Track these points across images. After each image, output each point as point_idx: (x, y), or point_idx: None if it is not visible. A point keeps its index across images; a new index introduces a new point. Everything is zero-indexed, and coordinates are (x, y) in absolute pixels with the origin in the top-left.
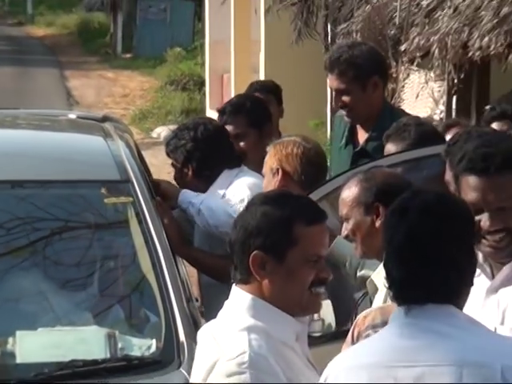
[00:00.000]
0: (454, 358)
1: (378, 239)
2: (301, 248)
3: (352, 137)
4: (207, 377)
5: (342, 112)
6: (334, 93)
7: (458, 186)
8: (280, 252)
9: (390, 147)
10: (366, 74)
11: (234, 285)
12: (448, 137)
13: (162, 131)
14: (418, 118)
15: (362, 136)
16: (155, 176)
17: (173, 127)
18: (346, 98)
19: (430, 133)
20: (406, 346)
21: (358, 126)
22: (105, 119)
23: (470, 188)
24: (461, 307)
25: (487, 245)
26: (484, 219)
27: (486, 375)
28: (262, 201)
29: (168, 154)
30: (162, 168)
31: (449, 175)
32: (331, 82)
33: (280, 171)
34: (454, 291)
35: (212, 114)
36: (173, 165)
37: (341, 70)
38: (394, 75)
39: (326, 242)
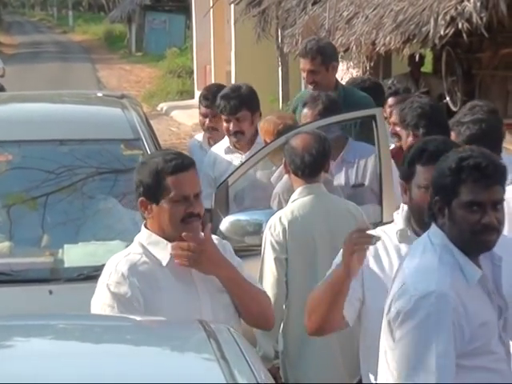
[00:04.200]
0: None
1: None
2: (168, 192)
3: None
4: None
5: (306, 90)
6: (305, 73)
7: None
8: (154, 197)
9: (305, 111)
10: (329, 59)
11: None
12: None
13: (163, 106)
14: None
15: None
16: (159, 138)
17: (171, 103)
18: (315, 77)
19: (335, 103)
20: None
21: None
22: (122, 97)
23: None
24: None
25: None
26: None
27: None
28: (142, 161)
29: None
30: (164, 132)
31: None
32: (304, 65)
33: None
34: None
35: (198, 93)
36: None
37: (313, 56)
38: None
39: (191, 184)
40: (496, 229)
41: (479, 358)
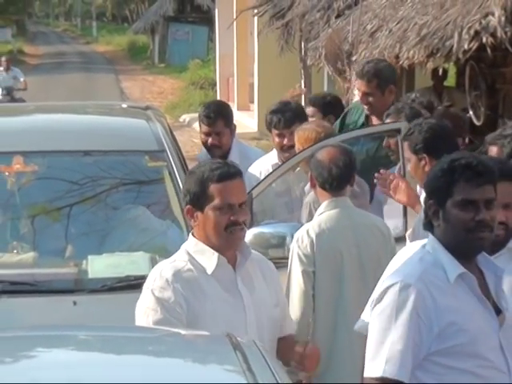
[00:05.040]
0: None
1: None
2: (213, 199)
3: (367, 122)
4: None
5: (357, 103)
6: (361, 94)
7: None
8: (200, 205)
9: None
10: (386, 83)
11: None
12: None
13: (186, 117)
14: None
15: (376, 122)
16: (182, 149)
17: (193, 114)
18: (369, 99)
19: (418, 115)
20: None
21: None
22: (147, 108)
23: None
24: None
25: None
26: None
27: None
28: (190, 171)
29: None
30: (186, 143)
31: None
32: (360, 86)
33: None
34: None
35: None
36: None
37: (369, 79)
38: (348, 78)
39: (238, 192)
40: (489, 226)
41: (462, 360)
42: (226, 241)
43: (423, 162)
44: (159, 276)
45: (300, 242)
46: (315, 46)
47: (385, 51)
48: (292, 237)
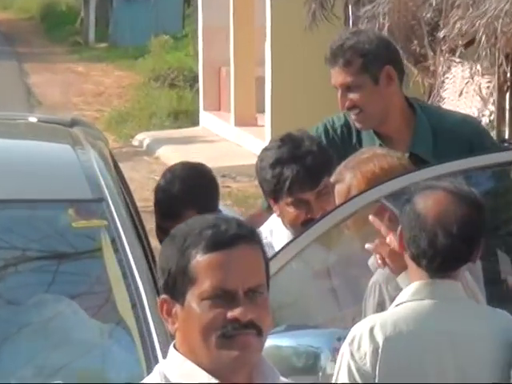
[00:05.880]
0: None
1: None
2: (199, 283)
3: (360, 143)
4: None
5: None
6: (339, 91)
7: None
8: (178, 292)
9: None
10: (377, 62)
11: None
12: None
13: (144, 138)
14: None
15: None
16: (135, 194)
17: (157, 133)
18: (354, 96)
19: None
20: None
21: (372, 132)
22: (73, 123)
23: None
24: None
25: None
26: None
27: None
28: (171, 234)
29: None
30: (145, 184)
31: None
32: (335, 78)
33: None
34: None
35: (207, 116)
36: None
37: (346, 60)
38: (432, 68)
39: (243, 269)
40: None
41: None
42: (220, 357)
43: None
44: None
45: (355, 346)
46: (372, 13)
47: (497, 22)
48: (331, 353)
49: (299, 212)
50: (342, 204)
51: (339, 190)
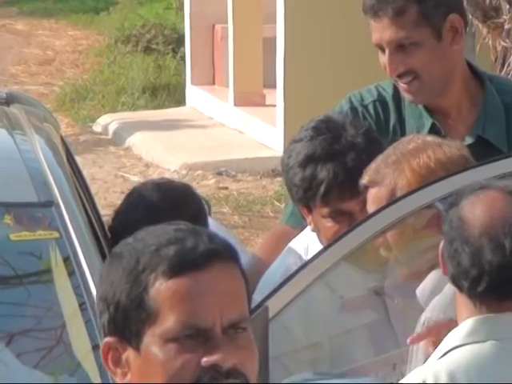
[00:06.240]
0: None
1: None
2: (161, 318)
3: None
4: None
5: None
6: (387, 52)
7: None
8: (131, 332)
9: None
10: (440, 9)
11: None
12: None
13: (110, 122)
14: None
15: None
16: (99, 197)
17: (126, 115)
18: (408, 57)
19: None
20: None
21: (421, 108)
22: (10, 100)
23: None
24: None
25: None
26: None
27: None
28: (113, 251)
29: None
30: (111, 184)
31: None
32: (381, 33)
33: None
34: None
35: (196, 92)
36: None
37: (398, 7)
38: (508, 26)
39: (213, 300)
40: None
41: None
42: None
43: None
44: None
45: None
46: None
47: None
48: None
49: (339, 226)
50: (379, 210)
51: (378, 196)
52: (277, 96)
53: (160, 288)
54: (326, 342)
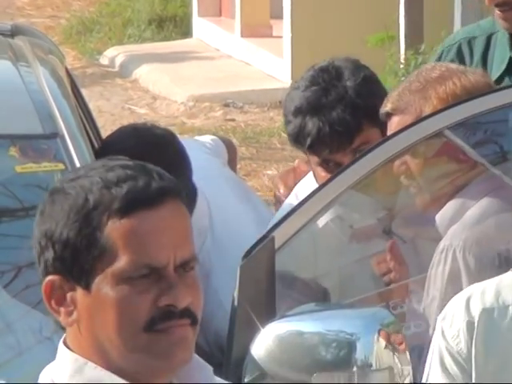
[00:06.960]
0: None
1: None
2: (114, 257)
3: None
4: None
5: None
6: None
7: None
8: (81, 271)
9: None
10: None
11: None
12: None
13: (117, 54)
14: None
15: None
16: (105, 129)
17: (134, 48)
18: None
19: None
20: None
21: (500, 45)
22: (15, 32)
23: None
24: None
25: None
26: None
27: None
28: (54, 187)
29: None
30: (118, 116)
31: None
32: None
33: None
34: None
35: (203, 24)
36: None
37: None
38: None
39: (169, 238)
40: None
41: None
42: (147, 358)
43: None
44: None
45: (448, 323)
46: None
47: None
48: (374, 342)
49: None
50: (394, 134)
51: (402, 123)
52: (284, 27)
53: (113, 226)
54: (336, 271)
